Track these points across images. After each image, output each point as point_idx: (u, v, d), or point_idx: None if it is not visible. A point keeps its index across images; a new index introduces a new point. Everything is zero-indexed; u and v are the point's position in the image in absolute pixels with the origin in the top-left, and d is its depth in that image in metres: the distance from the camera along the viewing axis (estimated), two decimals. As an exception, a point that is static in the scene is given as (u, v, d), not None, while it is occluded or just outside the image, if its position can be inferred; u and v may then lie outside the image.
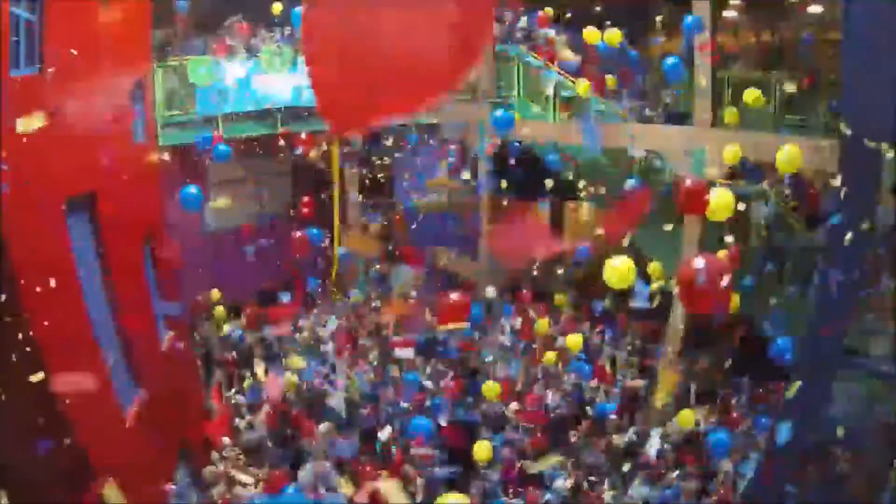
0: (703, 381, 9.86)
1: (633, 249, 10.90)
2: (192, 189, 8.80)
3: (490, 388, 9.32)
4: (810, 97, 10.45)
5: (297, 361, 9.46)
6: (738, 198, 9.69)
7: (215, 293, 11.00)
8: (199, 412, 9.06)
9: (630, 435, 8.79)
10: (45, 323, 5.12)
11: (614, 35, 10.45)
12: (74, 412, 5.38)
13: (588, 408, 9.66)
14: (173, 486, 7.02)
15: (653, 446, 8.50)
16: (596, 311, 11.86)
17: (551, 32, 13.06)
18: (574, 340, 10.13)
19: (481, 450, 8.06)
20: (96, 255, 6.55)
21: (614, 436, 8.79)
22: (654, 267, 9.55)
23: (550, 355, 10.35)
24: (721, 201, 7.02)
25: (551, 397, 9.91)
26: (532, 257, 8.66)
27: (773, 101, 10.07)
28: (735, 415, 9.35)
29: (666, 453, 8.36)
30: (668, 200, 10.47)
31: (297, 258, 11.78)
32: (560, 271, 12.28)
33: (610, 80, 11.85)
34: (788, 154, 7.57)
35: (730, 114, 9.85)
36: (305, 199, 13.04)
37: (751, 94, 9.25)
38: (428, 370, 10.66)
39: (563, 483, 7.94)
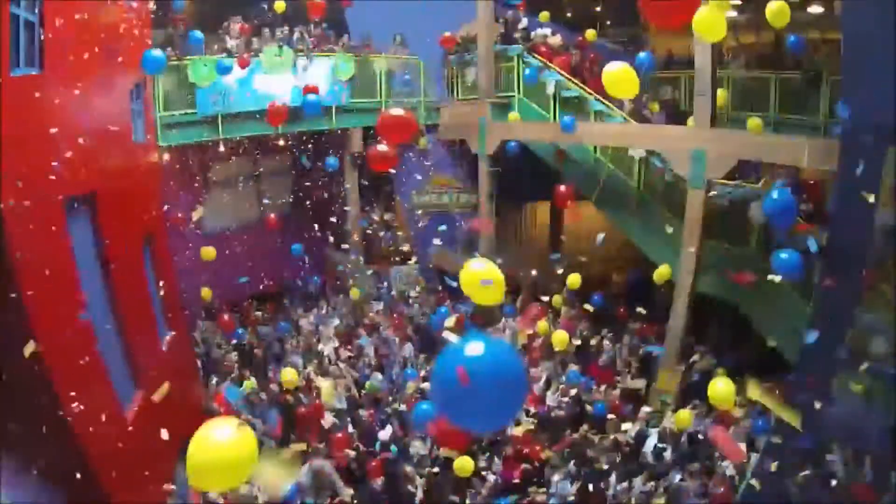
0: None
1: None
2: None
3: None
4: (810, 97, 10.42)
5: (292, 374, 9.40)
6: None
7: (206, 292, 10.95)
8: (199, 412, 9.05)
9: (630, 434, 8.79)
10: (45, 323, 5.12)
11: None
12: (74, 412, 5.38)
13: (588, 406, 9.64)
14: (173, 486, 7.03)
15: (650, 446, 8.50)
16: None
17: (548, 32, 13.07)
18: (560, 338, 9.86)
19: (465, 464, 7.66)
20: (96, 255, 6.55)
21: (617, 435, 8.79)
22: (660, 272, 9.50)
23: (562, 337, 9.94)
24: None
25: (551, 397, 9.91)
26: None
27: (772, 100, 10.02)
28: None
29: (664, 452, 8.35)
30: (669, 202, 10.48)
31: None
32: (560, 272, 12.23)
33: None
34: (777, 8, 7.16)
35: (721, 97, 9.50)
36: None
37: None
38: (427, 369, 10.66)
39: (568, 486, 7.92)
